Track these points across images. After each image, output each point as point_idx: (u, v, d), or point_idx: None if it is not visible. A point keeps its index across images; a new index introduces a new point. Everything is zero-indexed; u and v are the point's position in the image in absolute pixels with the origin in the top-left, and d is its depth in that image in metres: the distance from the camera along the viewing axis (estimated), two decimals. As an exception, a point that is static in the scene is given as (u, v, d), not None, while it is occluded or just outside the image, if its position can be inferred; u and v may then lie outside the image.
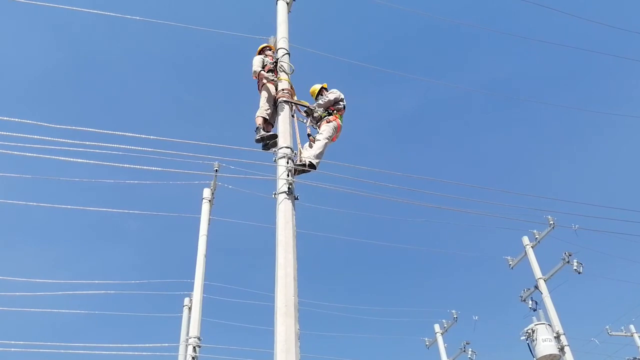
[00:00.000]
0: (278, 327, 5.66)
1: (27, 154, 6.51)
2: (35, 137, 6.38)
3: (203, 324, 12.35)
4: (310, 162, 7.20)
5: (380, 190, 8.03)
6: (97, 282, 12.95)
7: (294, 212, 6.62)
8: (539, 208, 15.49)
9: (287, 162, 6.92)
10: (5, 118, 6.44)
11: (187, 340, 11.53)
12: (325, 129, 7.76)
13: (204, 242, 12.97)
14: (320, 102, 8.15)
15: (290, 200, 6.65)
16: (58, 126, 6.53)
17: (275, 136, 7.39)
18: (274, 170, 7.04)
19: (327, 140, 7.64)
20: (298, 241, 6.43)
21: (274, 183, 6.95)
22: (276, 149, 7.15)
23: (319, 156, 7.39)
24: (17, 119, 6.44)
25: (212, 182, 13.49)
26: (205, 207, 13.61)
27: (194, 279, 12.59)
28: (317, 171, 7.44)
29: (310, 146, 7.61)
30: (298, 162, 7.10)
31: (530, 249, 17.70)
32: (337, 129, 7.93)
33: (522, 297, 17.54)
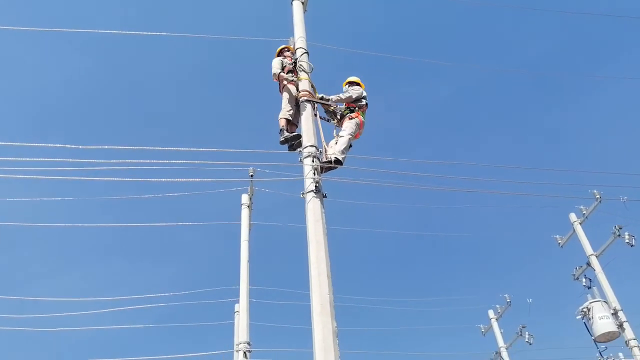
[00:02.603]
0: (315, 327, 5.68)
1: (66, 177, 6.80)
2: (78, 160, 6.68)
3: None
4: (336, 158, 7.21)
5: (419, 180, 8.03)
6: (152, 295, 13.50)
7: (323, 210, 6.62)
8: (584, 183, 15.11)
9: (313, 161, 6.94)
10: (44, 144, 6.71)
11: (236, 346, 11.65)
12: (348, 126, 7.79)
13: (245, 247, 13.08)
14: (340, 95, 8.13)
15: (318, 199, 6.66)
16: (97, 147, 6.81)
17: (299, 136, 7.42)
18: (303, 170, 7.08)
19: (350, 136, 7.65)
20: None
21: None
22: (301, 149, 7.18)
23: (343, 152, 7.38)
24: (57, 145, 6.72)
25: (249, 188, 13.61)
26: (245, 212, 13.75)
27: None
28: (348, 167, 7.48)
29: (336, 143, 7.61)
30: (324, 160, 7.11)
31: (579, 225, 17.20)
32: (359, 126, 7.94)
33: (574, 275, 17.06)
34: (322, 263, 6.13)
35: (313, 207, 6.58)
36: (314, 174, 6.80)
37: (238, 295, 13.34)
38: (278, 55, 8.54)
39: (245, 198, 13.82)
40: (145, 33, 9.63)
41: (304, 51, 8.33)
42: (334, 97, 8.12)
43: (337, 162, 7.20)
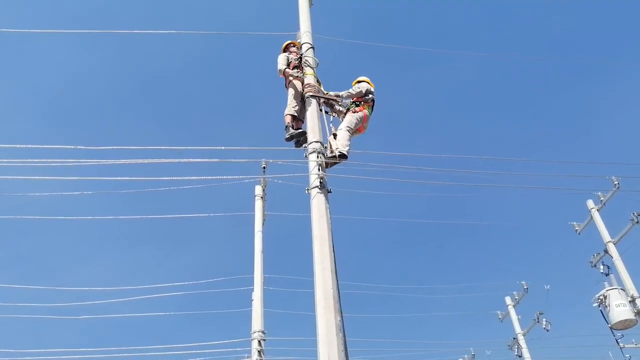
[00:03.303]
0: (319, 321, 5.78)
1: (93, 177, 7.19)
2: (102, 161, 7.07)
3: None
4: (340, 152, 7.25)
5: (434, 165, 8.13)
6: (174, 284, 13.90)
7: (328, 206, 6.69)
8: (601, 170, 14.97)
9: (317, 157, 7.01)
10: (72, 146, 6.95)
11: (251, 334, 11.86)
12: (348, 119, 7.78)
13: (259, 238, 13.26)
14: (350, 91, 8.18)
15: (322, 194, 6.73)
16: (125, 147, 7.26)
17: (304, 133, 7.49)
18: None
19: (349, 129, 7.64)
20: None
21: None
22: (306, 145, 7.24)
23: (346, 145, 7.41)
24: (90, 147, 7.12)
25: (262, 179, 13.74)
26: (258, 203, 13.91)
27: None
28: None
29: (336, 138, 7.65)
30: (329, 155, 7.17)
31: (596, 212, 17.05)
32: (362, 120, 7.94)
33: (592, 262, 16.95)
34: (326, 258, 6.22)
35: (317, 203, 6.65)
36: (319, 169, 6.88)
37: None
38: (284, 51, 8.58)
39: (258, 189, 13.99)
40: (150, 31, 9.81)
41: (310, 46, 8.33)
42: (344, 93, 8.15)
43: (342, 156, 7.24)
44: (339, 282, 6.30)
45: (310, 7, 9.01)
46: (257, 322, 12.05)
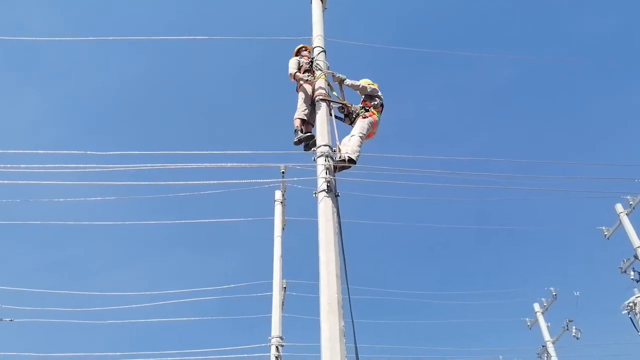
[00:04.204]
0: (322, 325, 5.73)
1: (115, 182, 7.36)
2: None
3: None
4: (349, 157, 7.21)
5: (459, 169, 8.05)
6: (198, 289, 14.13)
7: (335, 210, 6.64)
8: (629, 172, 14.57)
9: (326, 160, 6.97)
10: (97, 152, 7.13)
11: (269, 340, 11.85)
12: (359, 125, 7.77)
13: (279, 243, 13.25)
14: (355, 82, 8.11)
15: (330, 198, 6.68)
16: (147, 152, 7.56)
17: (313, 136, 7.47)
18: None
19: (361, 135, 7.63)
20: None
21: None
22: (315, 149, 7.22)
23: (356, 151, 7.38)
24: (113, 152, 7.39)
25: (282, 184, 13.74)
26: (278, 208, 13.90)
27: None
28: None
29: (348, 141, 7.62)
30: (337, 159, 7.12)
31: (625, 216, 16.61)
32: (373, 125, 7.91)
33: (621, 268, 16.51)
34: (331, 263, 6.16)
35: (324, 207, 6.60)
36: (326, 173, 6.83)
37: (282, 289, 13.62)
38: (296, 55, 8.59)
39: (278, 194, 13.97)
40: (147, 37, 9.94)
41: (321, 50, 8.30)
42: (349, 81, 8.11)
43: (351, 161, 7.20)
44: (349, 286, 6.25)
45: (324, 10, 9.00)
46: (275, 328, 12.04)
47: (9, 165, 7.11)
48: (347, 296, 6.13)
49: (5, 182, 7.20)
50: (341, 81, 8.07)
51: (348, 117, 8.12)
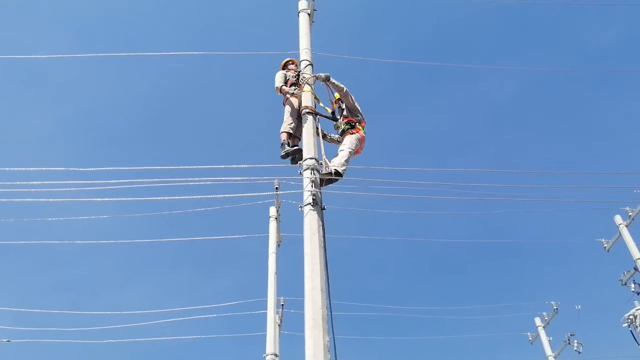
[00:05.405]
0: (307, 340, 5.62)
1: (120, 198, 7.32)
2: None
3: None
4: (336, 170, 7.14)
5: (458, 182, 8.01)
6: (199, 307, 14.12)
7: (320, 223, 6.55)
8: (628, 182, 14.44)
9: (311, 173, 6.90)
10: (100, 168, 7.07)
11: (264, 357, 11.69)
12: (349, 140, 7.74)
13: (273, 259, 13.11)
14: (338, 84, 8.01)
15: (315, 212, 6.60)
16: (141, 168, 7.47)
17: (300, 150, 7.41)
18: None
19: (350, 150, 7.60)
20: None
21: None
22: (301, 162, 7.15)
23: (344, 164, 7.33)
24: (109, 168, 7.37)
25: (275, 200, 13.65)
26: (272, 224, 13.79)
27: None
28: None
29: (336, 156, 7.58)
30: (324, 172, 7.05)
31: (625, 227, 16.46)
32: (360, 141, 7.86)
33: (622, 280, 16.34)
34: (316, 277, 6.06)
35: (310, 220, 6.52)
36: (312, 186, 6.76)
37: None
38: (283, 69, 8.57)
39: (272, 210, 13.87)
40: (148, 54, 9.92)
41: (308, 63, 8.29)
42: (333, 80, 8.02)
43: (337, 174, 7.13)
44: (331, 302, 6.15)
45: (311, 24, 9.00)
46: (270, 345, 11.88)
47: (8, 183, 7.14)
48: (330, 312, 6.05)
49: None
50: (327, 79, 7.98)
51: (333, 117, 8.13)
